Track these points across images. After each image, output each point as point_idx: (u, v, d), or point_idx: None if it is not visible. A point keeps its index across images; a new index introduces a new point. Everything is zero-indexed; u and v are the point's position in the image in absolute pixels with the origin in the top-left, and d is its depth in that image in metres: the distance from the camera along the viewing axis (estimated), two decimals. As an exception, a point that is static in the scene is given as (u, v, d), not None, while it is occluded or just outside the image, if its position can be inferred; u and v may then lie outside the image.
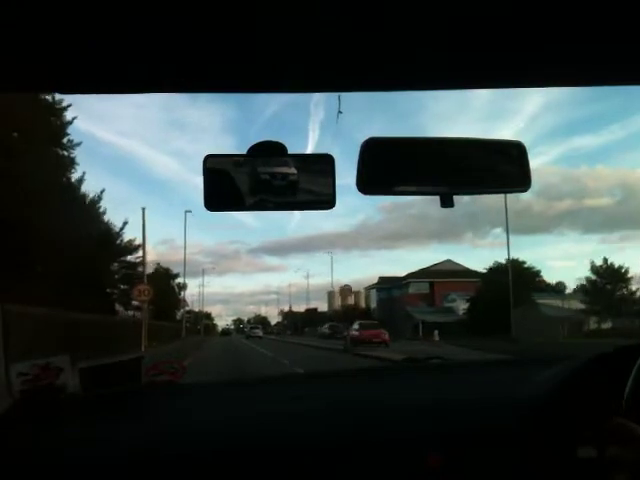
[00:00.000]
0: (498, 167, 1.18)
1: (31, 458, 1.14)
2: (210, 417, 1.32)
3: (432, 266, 61.26)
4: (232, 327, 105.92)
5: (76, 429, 1.23)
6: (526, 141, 1.15)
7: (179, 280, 53.40)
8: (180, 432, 1.23)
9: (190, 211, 44.36)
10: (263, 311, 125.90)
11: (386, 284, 64.68)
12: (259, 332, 57.08)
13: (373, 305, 67.19)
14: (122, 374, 1.39)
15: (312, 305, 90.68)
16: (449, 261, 61.40)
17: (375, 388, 1.51)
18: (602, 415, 1.08)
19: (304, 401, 1.40)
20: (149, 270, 49.82)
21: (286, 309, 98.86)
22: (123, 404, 1.33)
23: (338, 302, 76.68)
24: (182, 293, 53.55)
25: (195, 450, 1.17)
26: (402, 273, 63.24)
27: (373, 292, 69.09)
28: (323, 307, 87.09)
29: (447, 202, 1.11)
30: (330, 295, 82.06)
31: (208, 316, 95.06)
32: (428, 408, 1.35)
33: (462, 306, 46.59)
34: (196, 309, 79.25)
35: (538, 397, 1.30)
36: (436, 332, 35.15)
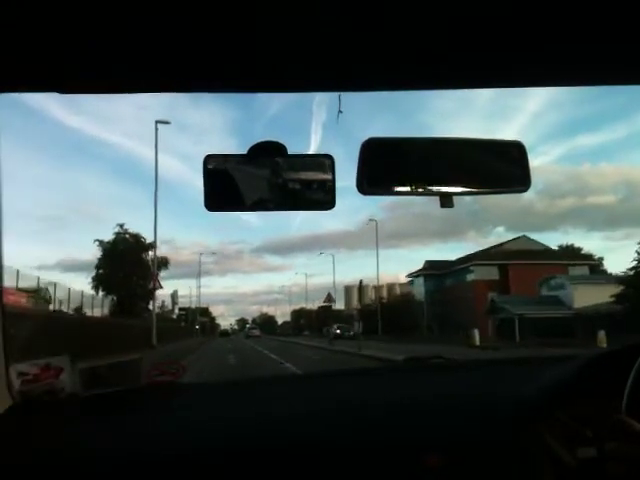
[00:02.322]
0: (498, 167, 1.17)
1: (31, 458, 1.14)
2: (210, 417, 1.32)
3: (501, 245, 48.16)
4: (236, 327, 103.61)
5: (76, 429, 1.23)
6: (529, 140, 1.12)
7: (155, 253, 28.74)
8: (180, 432, 1.23)
9: (167, 122, 26.59)
10: (271, 311, 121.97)
11: (435, 270, 51.04)
12: (257, 332, 66.40)
13: (419, 297, 52.59)
14: (122, 374, 1.39)
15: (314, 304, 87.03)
16: (524, 238, 47.88)
17: (375, 388, 1.51)
18: (603, 415, 1.08)
19: (304, 401, 1.40)
20: (106, 236, 31.41)
21: (290, 308, 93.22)
22: (123, 404, 1.32)
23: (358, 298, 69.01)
24: (154, 271, 27.44)
25: (195, 450, 1.17)
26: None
27: (418, 281, 54.10)
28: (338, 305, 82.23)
29: (447, 202, 1.11)
30: (348, 290, 70.33)
31: (205, 312, 71.19)
32: (429, 408, 1.35)
33: (574, 294, 32.75)
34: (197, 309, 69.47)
35: (539, 397, 1.30)
36: (602, 332, 21.25)
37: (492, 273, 44.34)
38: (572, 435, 1.16)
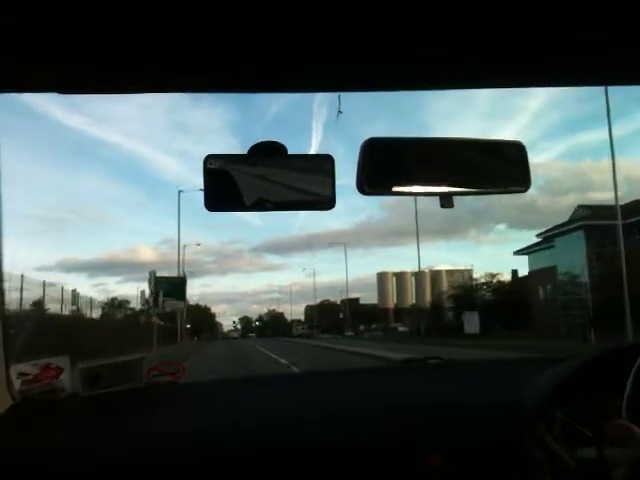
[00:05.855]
0: (498, 167, 1.18)
1: (31, 458, 1.14)
2: (210, 417, 1.32)
3: None
4: (239, 326, 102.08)
5: (76, 429, 1.23)
6: (530, 138, 1.12)
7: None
8: (180, 432, 1.23)
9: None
10: (281, 308, 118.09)
11: (601, 217, 25.85)
12: (235, 334, 78.92)
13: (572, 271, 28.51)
14: (123, 374, 1.39)
15: (324, 300, 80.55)
16: None
17: (375, 388, 1.51)
18: (602, 415, 1.08)
19: (304, 401, 1.40)
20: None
21: (303, 304, 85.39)
22: (123, 404, 1.32)
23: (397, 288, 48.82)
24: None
25: (195, 450, 1.17)
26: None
27: (565, 242, 29.55)
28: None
29: (446, 203, 1.11)
30: (382, 279, 54.27)
31: (180, 286, 33.95)
32: (428, 408, 1.35)
33: None
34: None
35: (539, 397, 1.30)
36: None
37: None
38: (572, 435, 1.16)
